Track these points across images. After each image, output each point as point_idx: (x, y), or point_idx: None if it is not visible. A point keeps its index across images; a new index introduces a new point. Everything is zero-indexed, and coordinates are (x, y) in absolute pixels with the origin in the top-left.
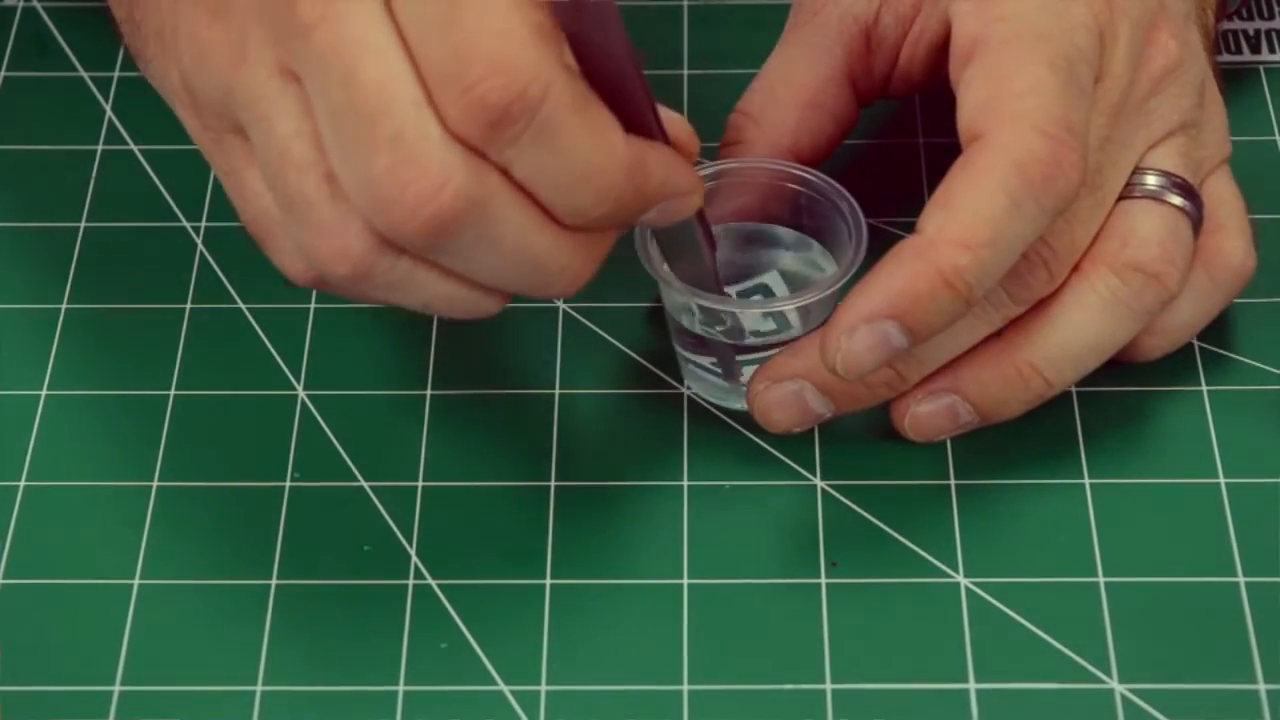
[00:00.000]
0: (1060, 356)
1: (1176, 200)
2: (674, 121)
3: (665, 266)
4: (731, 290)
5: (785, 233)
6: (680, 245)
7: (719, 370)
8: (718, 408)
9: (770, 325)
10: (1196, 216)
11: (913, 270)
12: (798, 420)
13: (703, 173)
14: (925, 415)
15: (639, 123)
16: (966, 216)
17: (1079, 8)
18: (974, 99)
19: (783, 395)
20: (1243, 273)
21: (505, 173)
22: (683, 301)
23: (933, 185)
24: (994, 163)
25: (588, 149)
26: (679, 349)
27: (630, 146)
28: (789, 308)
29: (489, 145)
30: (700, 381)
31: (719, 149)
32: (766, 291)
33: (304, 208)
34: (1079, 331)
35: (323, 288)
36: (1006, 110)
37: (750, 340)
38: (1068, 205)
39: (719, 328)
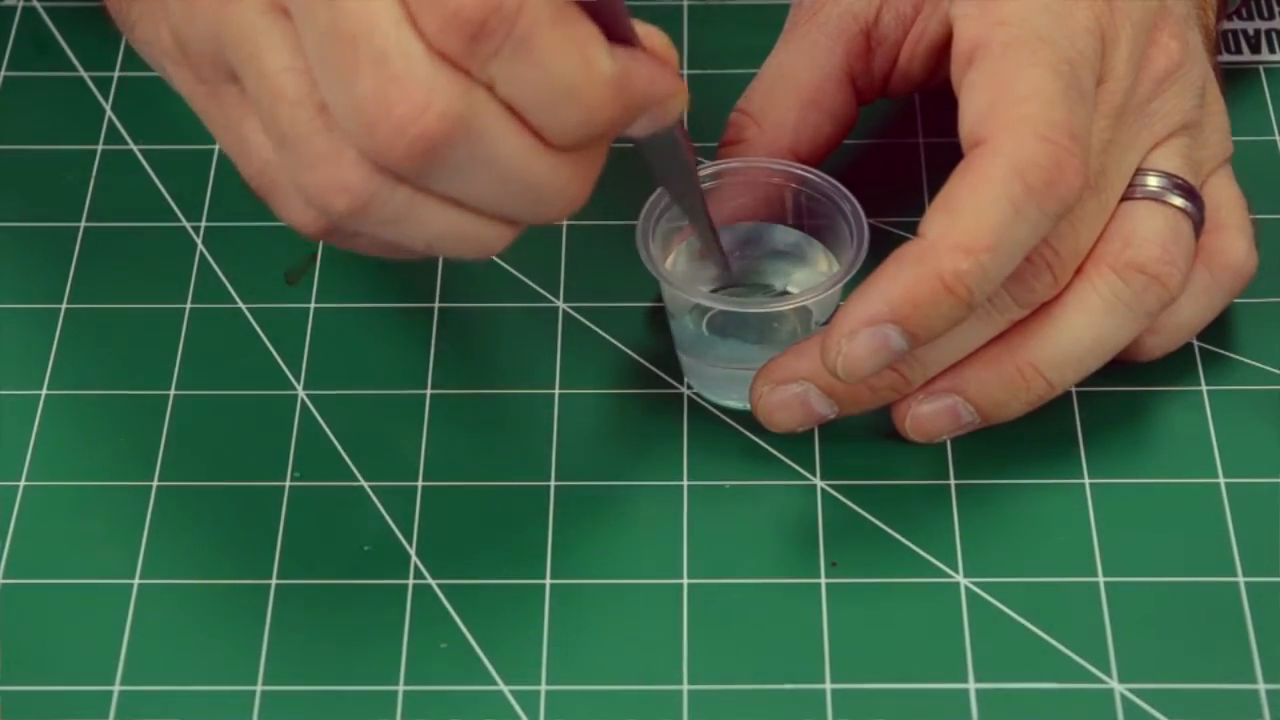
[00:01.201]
0: (1062, 358)
1: (1177, 201)
2: (650, 34)
3: (666, 266)
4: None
5: (786, 232)
6: (663, 157)
7: (722, 370)
8: (718, 407)
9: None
10: (1198, 217)
11: (914, 274)
12: (801, 421)
13: (703, 172)
14: (926, 416)
15: (618, 33)
16: (968, 221)
17: (1081, 10)
18: (976, 104)
19: (786, 397)
20: (1244, 272)
21: (492, 91)
22: (685, 300)
23: (933, 185)
24: (996, 168)
25: (570, 64)
26: (680, 350)
27: (616, 60)
28: (790, 307)
29: (470, 60)
30: (701, 380)
31: (718, 148)
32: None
33: (298, 143)
34: (1081, 333)
35: (331, 238)
36: (1008, 115)
37: (753, 338)
38: (1069, 210)
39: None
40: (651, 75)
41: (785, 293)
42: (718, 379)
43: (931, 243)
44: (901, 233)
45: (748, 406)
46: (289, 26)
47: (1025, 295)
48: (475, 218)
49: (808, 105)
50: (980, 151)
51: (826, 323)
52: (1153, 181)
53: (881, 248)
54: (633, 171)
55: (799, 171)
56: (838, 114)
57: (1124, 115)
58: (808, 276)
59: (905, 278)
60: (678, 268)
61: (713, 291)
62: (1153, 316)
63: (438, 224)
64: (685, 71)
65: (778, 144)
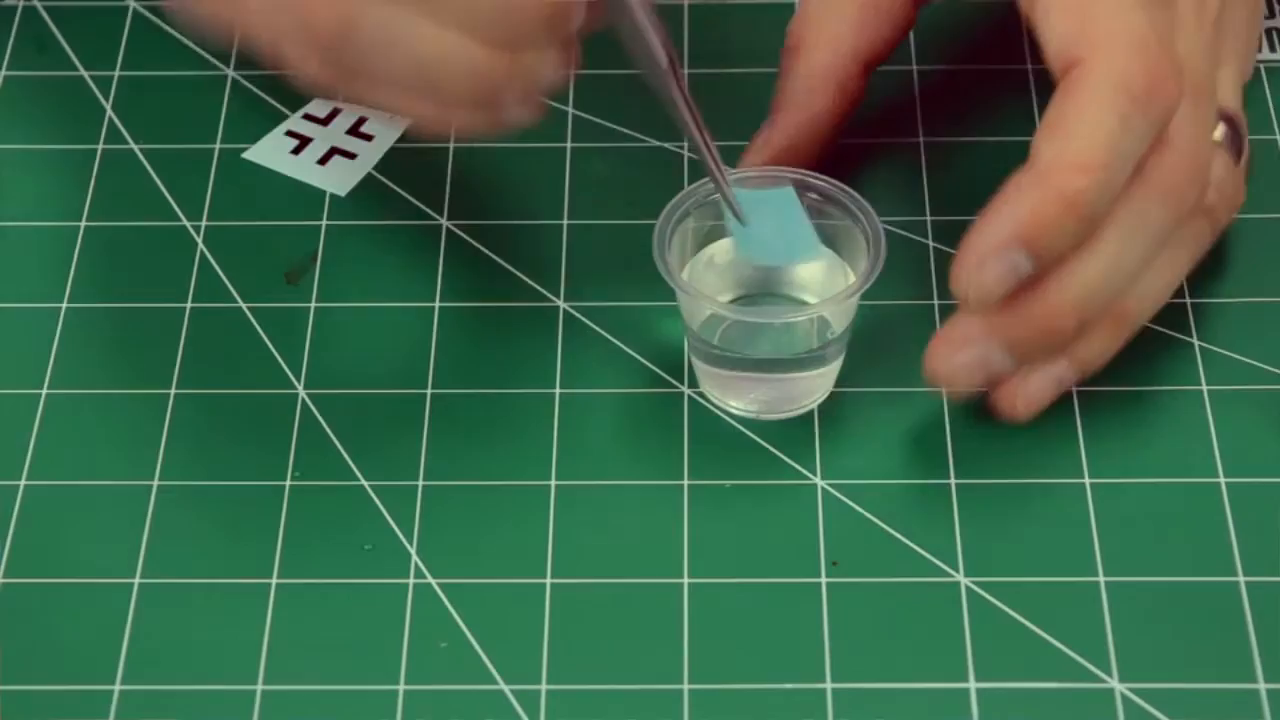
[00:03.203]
0: (1149, 296)
1: (1230, 146)
2: None
3: (682, 274)
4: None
5: None
6: (620, 31)
7: (737, 377)
8: (720, 408)
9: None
10: (1239, 149)
11: (1037, 198)
12: (982, 381)
13: None
14: (1036, 389)
15: None
16: (1080, 141)
17: None
18: (1061, 26)
19: (968, 359)
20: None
21: None
22: (701, 309)
23: (933, 185)
24: (1097, 86)
25: None
26: (694, 356)
27: None
28: (806, 317)
29: None
30: (715, 386)
31: (781, 57)
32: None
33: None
34: (1164, 273)
35: (336, 84)
36: (1097, 34)
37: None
38: (1172, 116)
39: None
40: None
41: (801, 302)
42: (732, 386)
43: (1047, 165)
44: (902, 233)
45: (761, 414)
46: None
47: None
48: (459, 38)
49: (866, 6)
50: (1078, 73)
51: (844, 333)
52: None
53: (888, 251)
54: (634, 173)
55: (814, 180)
56: (896, 17)
57: (1215, 26)
58: (823, 287)
59: (1028, 202)
60: (694, 276)
61: (729, 301)
62: (1205, 251)
63: (425, 44)
64: (686, 71)
65: (838, 47)
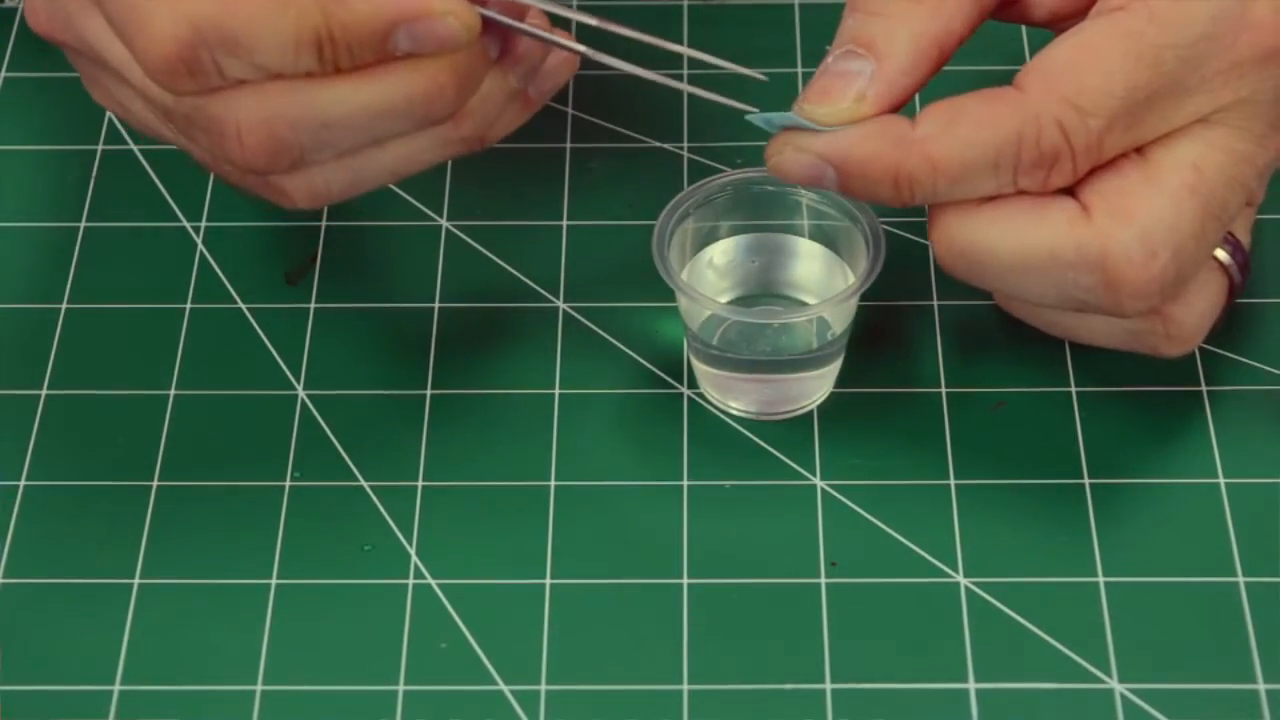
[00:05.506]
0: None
1: (1236, 277)
2: None
3: (682, 275)
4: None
5: (802, 243)
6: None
7: (736, 379)
8: (720, 409)
9: None
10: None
11: (883, 152)
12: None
13: (718, 182)
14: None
15: None
16: (958, 146)
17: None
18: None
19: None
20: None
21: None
22: (701, 311)
23: None
24: (1013, 127)
25: (267, 19)
26: (694, 356)
27: None
28: (805, 319)
29: (224, 78)
30: (714, 387)
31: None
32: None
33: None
34: (1015, 236)
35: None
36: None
37: (764, 356)
38: (1054, 187)
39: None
40: None
41: (801, 303)
42: (732, 387)
43: (919, 136)
44: (902, 233)
45: (761, 414)
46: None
47: (1038, 178)
48: (407, 139)
49: None
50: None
51: (844, 333)
52: (1222, 255)
53: (888, 251)
54: (635, 173)
55: None
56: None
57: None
58: (823, 287)
59: (877, 148)
60: (694, 277)
61: (729, 302)
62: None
63: (383, 161)
64: (686, 72)
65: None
